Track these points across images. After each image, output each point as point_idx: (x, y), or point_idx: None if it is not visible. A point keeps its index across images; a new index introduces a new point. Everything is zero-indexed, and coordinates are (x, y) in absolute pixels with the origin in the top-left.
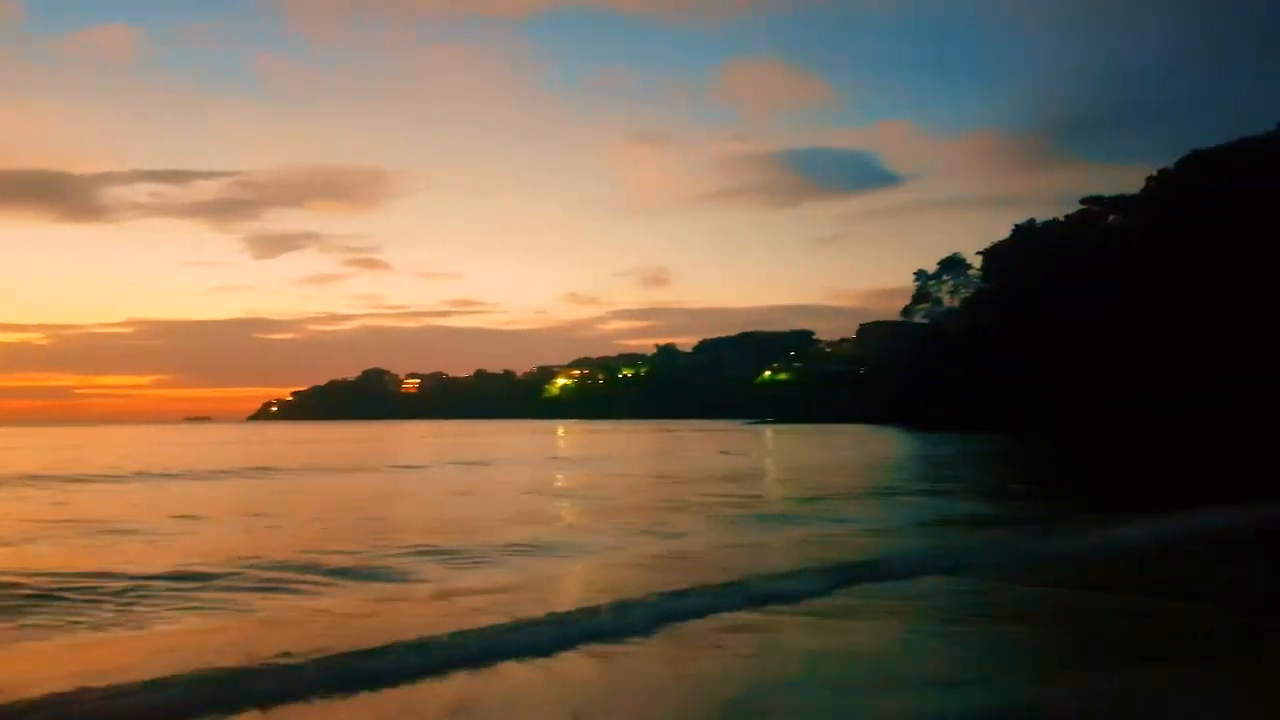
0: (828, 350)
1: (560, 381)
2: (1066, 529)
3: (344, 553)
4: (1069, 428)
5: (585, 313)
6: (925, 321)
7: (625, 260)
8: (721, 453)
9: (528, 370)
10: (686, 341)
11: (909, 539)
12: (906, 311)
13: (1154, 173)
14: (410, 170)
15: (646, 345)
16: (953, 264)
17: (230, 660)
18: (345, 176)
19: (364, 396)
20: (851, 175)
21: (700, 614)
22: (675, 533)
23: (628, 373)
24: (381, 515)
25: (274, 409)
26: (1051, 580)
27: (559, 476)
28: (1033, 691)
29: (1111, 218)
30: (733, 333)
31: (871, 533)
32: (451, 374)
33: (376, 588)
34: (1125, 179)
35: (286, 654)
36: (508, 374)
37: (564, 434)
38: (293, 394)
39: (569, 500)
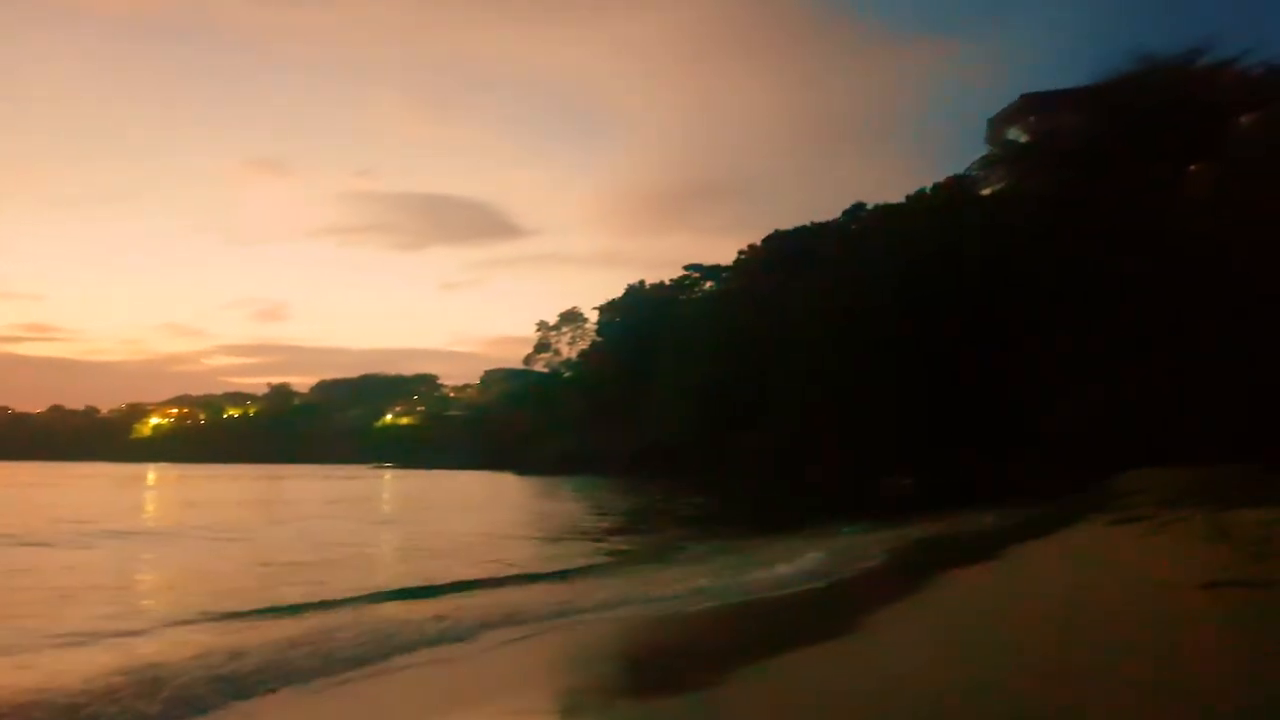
0: (452, 395)
1: (154, 420)
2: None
3: None
4: (682, 468)
5: (187, 345)
6: (545, 370)
7: (236, 291)
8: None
9: (115, 407)
10: (303, 381)
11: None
12: (528, 359)
13: (745, 246)
14: None
15: (257, 384)
16: (572, 316)
17: None
18: None
19: None
20: (478, 224)
21: None
22: None
23: (234, 412)
24: None
25: None
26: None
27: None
28: None
29: (709, 283)
30: (354, 374)
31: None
32: (19, 409)
33: None
34: (731, 245)
35: None
36: (90, 410)
37: (154, 481)
38: None
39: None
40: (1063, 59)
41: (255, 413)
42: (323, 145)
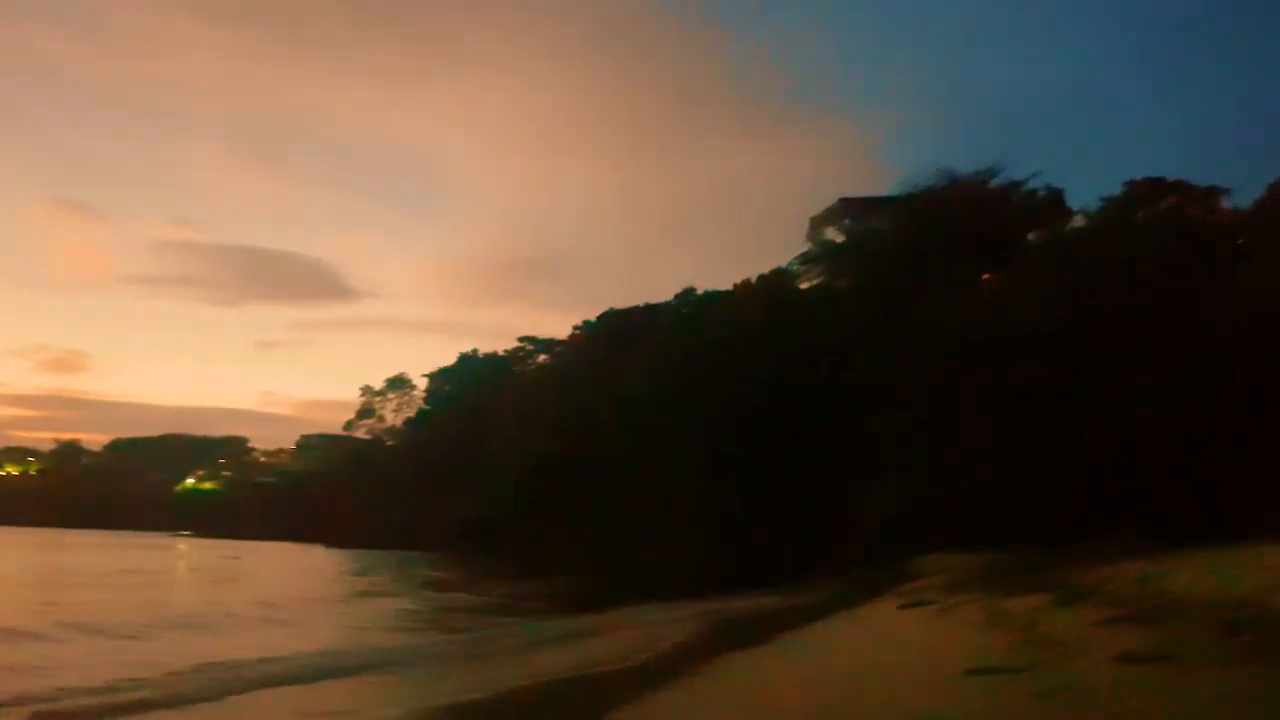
0: (263, 460)
1: None
2: None
3: None
4: (509, 544)
5: None
6: (368, 437)
7: (24, 338)
8: None
9: None
10: (96, 438)
11: None
12: (349, 425)
13: (579, 322)
14: None
15: (44, 439)
16: (399, 383)
17: None
18: None
19: None
20: (305, 282)
21: None
22: None
23: (13, 469)
24: None
25: None
26: None
27: None
28: None
29: (542, 356)
30: (154, 433)
31: None
32: None
33: None
34: (566, 321)
35: None
36: None
37: None
38: None
39: None
40: (887, 165)
41: (38, 471)
42: (137, 191)
